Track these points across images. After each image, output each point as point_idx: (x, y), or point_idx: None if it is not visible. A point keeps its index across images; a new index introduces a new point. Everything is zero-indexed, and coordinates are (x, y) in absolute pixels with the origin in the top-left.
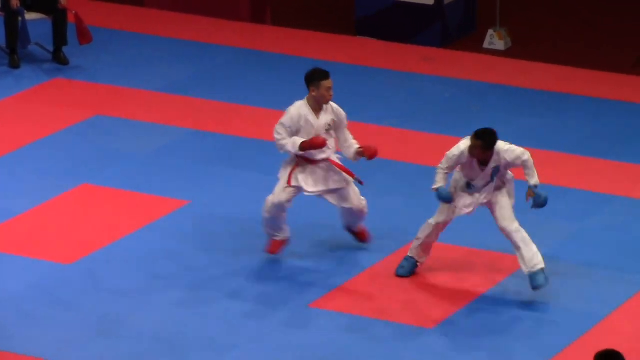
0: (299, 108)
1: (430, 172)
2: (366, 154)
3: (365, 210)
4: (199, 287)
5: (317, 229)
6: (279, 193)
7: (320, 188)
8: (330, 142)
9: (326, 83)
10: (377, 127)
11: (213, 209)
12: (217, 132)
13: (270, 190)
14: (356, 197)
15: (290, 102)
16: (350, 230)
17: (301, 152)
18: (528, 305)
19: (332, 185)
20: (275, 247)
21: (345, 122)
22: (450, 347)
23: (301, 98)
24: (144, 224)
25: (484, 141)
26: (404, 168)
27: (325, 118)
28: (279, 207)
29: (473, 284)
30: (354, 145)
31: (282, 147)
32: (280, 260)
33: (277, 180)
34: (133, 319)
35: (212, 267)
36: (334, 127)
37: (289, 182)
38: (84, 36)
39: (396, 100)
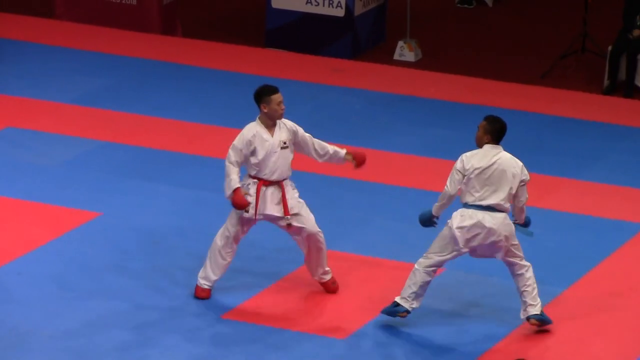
0: (251, 128)
1: (340, 183)
2: (356, 159)
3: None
4: (109, 299)
5: None
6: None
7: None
8: (285, 162)
9: (276, 97)
10: None
11: (125, 220)
12: (129, 144)
13: (181, 201)
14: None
15: (201, 114)
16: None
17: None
18: (443, 315)
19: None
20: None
21: (305, 134)
22: (362, 358)
23: (210, 109)
24: (56, 235)
25: (487, 120)
26: (314, 179)
27: (280, 135)
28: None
29: (386, 293)
30: (339, 150)
31: (226, 174)
32: (192, 273)
33: (187, 190)
34: (43, 332)
35: (124, 279)
36: (293, 143)
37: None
38: None
39: (305, 112)
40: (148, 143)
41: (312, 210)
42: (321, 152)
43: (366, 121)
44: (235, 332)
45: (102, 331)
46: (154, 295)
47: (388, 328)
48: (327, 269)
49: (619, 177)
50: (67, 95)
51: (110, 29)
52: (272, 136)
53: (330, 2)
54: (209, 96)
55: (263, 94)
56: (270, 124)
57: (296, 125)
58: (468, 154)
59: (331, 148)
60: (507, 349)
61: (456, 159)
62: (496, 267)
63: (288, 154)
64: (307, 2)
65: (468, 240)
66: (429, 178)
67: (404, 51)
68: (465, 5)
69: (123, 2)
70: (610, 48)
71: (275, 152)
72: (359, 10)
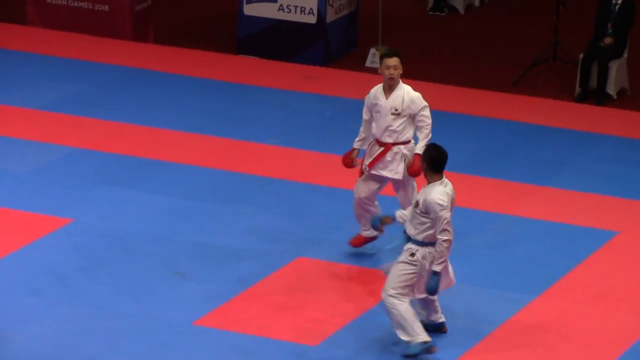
0: (374, 89)
1: (313, 190)
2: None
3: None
4: (82, 306)
5: (200, 246)
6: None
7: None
8: (399, 128)
9: (387, 61)
10: (258, 144)
11: (96, 227)
12: (100, 150)
13: (153, 208)
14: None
15: (173, 120)
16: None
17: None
18: None
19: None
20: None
21: (423, 113)
22: None
23: (182, 115)
24: (27, 242)
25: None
26: (285, 186)
27: (393, 101)
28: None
29: (358, 300)
30: (419, 145)
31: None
32: (163, 279)
33: (159, 197)
34: (15, 338)
35: (96, 285)
36: (411, 115)
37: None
38: None
39: (277, 119)
40: (119, 149)
41: (284, 217)
42: (424, 131)
43: (338, 128)
44: (207, 339)
45: (72, 338)
46: (125, 301)
47: (360, 334)
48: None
49: (590, 184)
50: (38, 102)
51: (82, 35)
52: (386, 99)
53: (302, 9)
54: (180, 103)
55: (381, 56)
56: (386, 87)
57: (421, 100)
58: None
59: (422, 136)
60: (477, 356)
61: None
62: (469, 275)
63: (401, 122)
64: (279, 9)
65: None
66: None
67: (376, 58)
68: (437, 13)
69: (95, 8)
70: (581, 56)
71: (386, 116)
72: (331, 17)
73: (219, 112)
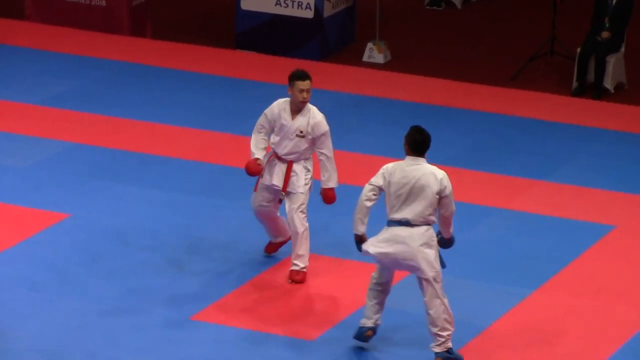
0: (280, 104)
1: (314, 184)
2: (323, 197)
3: (295, 231)
4: (80, 301)
5: (198, 241)
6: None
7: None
8: (300, 148)
9: (300, 84)
10: None
11: (94, 222)
12: (98, 145)
13: (151, 203)
14: (289, 212)
15: (171, 116)
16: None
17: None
18: (409, 315)
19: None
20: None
21: (325, 141)
22: (339, 358)
23: (180, 111)
24: (25, 237)
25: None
26: None
27: (300, 122)
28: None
29: (356, 294)
30: (324, 181)
31: (251, 143)
32: (161, 274)
33: (156, 192)
34: (14, 333)
35: (94, 280)
36: (312, 139)
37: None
38: None
39: None
40: (117, 144)
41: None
42: (325, 166)
43: (335, 123)
44: (204, 334)
45: (71, 333)
46: (123, 296)
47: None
48: (300, 253)
49: (587, 178)
50: (36, 97)
51: (79, 31)
52: (292, 120)
53: (300, 3)
54: (178, 98)
55: (292, 77)
56: (294, 108)
57: (324, 126)
58: (389, 165)
59: (324, 176)
60: (475, 351)
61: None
62: (467, 269)
63: (304, 144)
64: (276, 4)
65: (386, 255)
66: None
67: (373, 53)
68: (435, 7)
69: (92, 3)
70: (579, 50)
71: (289, 137)
72: (328, 11)
73: (217, 107)
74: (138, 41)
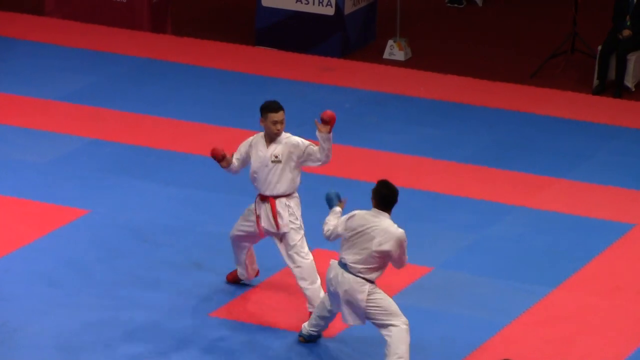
0: (255, 137)
1: (330, 181)
2: (322, 118)
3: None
4: (97, 296)
5: (217, 237)
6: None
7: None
8: (279, 178)
9: (273, 116)
10: None
11: (113, 218)
12: (118, 141)
13: (170, 199)
14: (285, 255)
15: (191, 112)
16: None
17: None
18: (428, 315)
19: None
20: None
21: (309, 147)
22: (351, 356)
23: (200, 107)
24: (44, 233)
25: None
26: (302, 177)
27: (274, 149)
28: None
29: None
30: (319, 136)
31: None
32: (180, 270)
33: (176, 188)
34: (32, 328)
35: (112, 276)
36: (297, 157)
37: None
38: None
39: (295, 111)
40: (137, 141)
41: (301, 208)
42: (320, 151)
43: (356, 120)
44: (222, 331)
45: (90, 328)
46: (142, 293)
47: (375, 327)
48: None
49: (607, 177)
50: (57, 93)
51: (100, 27)
52: (267, 148)
53: (321, 0)
54: (198, 94)
55: (264, 109)
56: (268, 139)
57: (302, 141)
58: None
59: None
60: (494, 349)
61: (445, 158)
62: (486, 267)
63: (282, 170)
64: (297, 1)
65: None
66: (418, 177)
67: (394, 50)
68: (456, 5)
69: None
70: (599, 48)
71: (266, 166)
72: (349, 9)
73: (236, 103)
74: (158, 37)
